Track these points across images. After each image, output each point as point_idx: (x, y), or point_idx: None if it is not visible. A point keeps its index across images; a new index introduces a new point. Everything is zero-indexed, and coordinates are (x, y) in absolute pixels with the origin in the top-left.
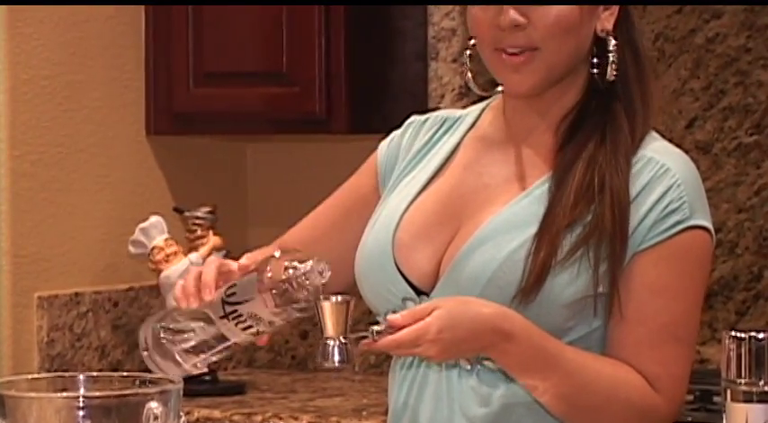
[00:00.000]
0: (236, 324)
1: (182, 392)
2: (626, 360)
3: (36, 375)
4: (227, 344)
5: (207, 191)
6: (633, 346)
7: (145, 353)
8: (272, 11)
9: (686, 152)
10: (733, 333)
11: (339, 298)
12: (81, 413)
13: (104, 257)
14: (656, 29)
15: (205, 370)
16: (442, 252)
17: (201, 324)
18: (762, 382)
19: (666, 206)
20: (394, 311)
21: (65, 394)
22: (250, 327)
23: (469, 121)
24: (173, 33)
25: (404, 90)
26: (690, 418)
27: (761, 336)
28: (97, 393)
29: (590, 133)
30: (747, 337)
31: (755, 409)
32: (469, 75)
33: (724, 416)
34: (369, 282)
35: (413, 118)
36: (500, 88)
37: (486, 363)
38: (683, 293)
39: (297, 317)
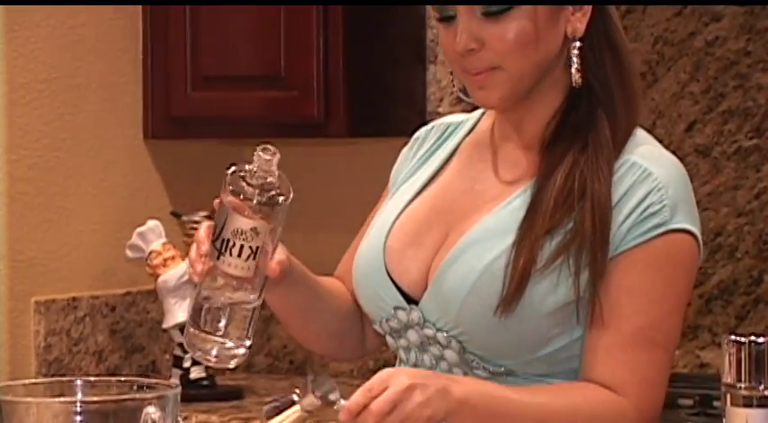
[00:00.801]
0: (230, 254)
1: (179, 397)
2: (596, 364)
3: (33, 380)
4: (247, 293)
5: (204, 195)
6: (605, 350)
7: (199, 354)
8: (269, 14)
9: (685, 156)
10: (733, 337)
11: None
12: (78, 418)
13: (102, 262)
14: (656, 32)
15: (247, 343)
16: (430, 259)
17: (216, 285)
18: (762, 387)
19: (645, 209)
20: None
21: (62, 399)
22: (242, 248)
23: (468, 126)
24: (170, 37)
25: (402, 93)
26: (690, 421)
27: (761, 340)
28: (95, 398)
29: (573, 138)
30: (747, 341)
31: (756, 413)
32: (457, 87)
33: (724, 420)
34: (363, 289)
35: (418, 132)
36: None
37: (475, 372)
38: (661, 297)
39: (279, 212)
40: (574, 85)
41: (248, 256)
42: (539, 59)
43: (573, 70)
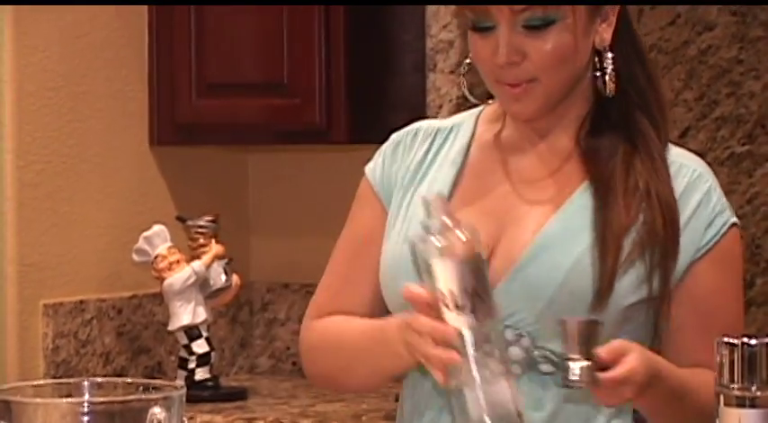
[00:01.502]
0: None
1: (185, 398)
2: (700, 363)
3: (41, 381)
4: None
5: (209, 200)
6: (707, 351)
7: None
8: (272, 23)
9: None
10: (726, 339)
11: (581, 318)
12: (86, 418)
13: (108, 265)
14: (650, 40)
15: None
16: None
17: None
18: (754, 388)
19: (712, 210)
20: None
21: (70, 400)
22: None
23: (467, 130)
24: (175, 45)
25: (403, 101)
26: None
27: (753, 342)
28: (101, 399)
29: (615, 141)
30: (740, 343)
31: (748, 414)
32: (466, 87)
33: (717, 420)
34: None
35: (396, 137)
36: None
37: (539, 367)
38: (738, 291)
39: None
40: (608, 93)
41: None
42: (574, 71)
43: (607, 79)
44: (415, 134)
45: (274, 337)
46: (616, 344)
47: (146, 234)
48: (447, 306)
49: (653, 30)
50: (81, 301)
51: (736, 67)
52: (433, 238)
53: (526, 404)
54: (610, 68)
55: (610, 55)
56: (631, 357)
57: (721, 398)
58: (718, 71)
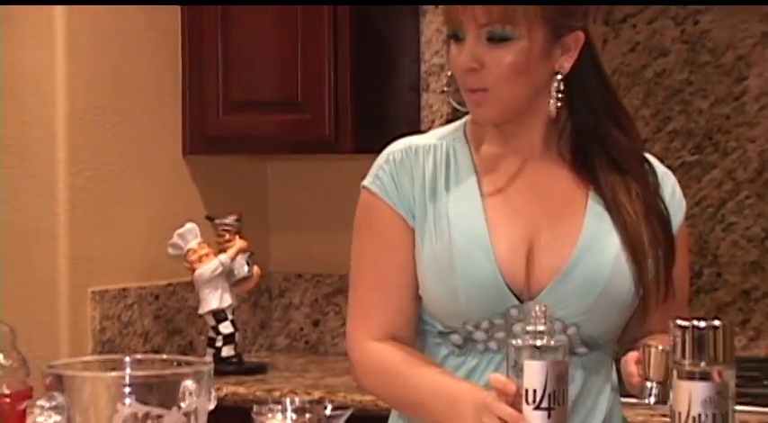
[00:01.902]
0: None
1: (212, 372)
2: (665, 330)
3: (89, 358)
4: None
5: (233, 202)
6: (676, 312)
7: None
8: (287, 50)
9: None
10: (678, 322)
11: (661, 347)
12: (127, 390)
13: (147, 258)
14: (613, 65)
15: None
16: (526, 261)
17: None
18: (703, 364)
19: (679, 202)
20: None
21: (114, 374)
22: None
23: (462, 149)
24: (204, 70)
25: (400, 116)
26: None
27: (702, 324)
28: (141, 373)
29: (599, 154)
30: (690, 325)
31: (698, 385)
32: (452, 98)
33: (671, 392)
34: (471, 301)
35: (398, 154)
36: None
37: (576, 350)
38: (689, 266)
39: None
40: (550, 115)
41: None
42: (528, 88)
43: (551, 102)
44: (415, 151)
45: (290, 320)
46: None
47: (179, 231)
48: (527, 402)
49: (615, 56)
50: (123, 289)
51: (686, 88)
52: (529, 341)
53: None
54: (555, 93)
55: (558, 77)
56: None
57: (674, 372)
58: (671, 91)
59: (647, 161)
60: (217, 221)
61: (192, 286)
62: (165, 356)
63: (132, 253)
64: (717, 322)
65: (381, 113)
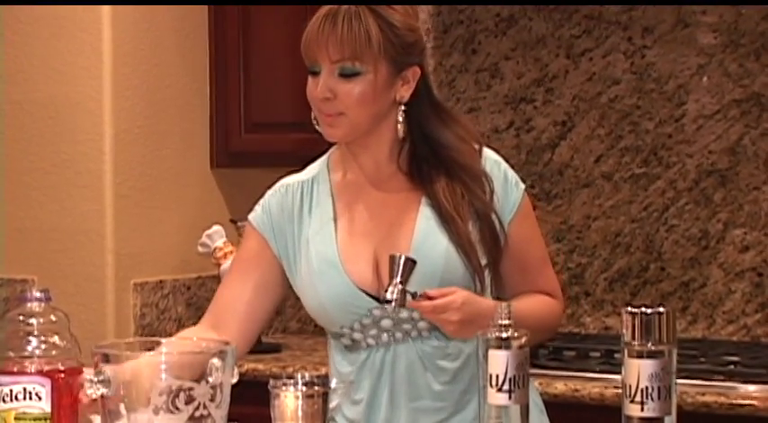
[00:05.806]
0: None
1: (235, 352)
2: (531, 289)
3: (131, 339)
4: None
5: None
6: (532, 281)
7: None
8: (302, 77)
9: (594, 179)
10: (629, 309)
11: (405, 255)
12: (163, 366)
13: (181, 255)
14: (573, 92)
15: None
16: (376, 264)
17: None
18: (650, 344)
19: (511, 183)
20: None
21: (152, 353)
22: None
23: (323, 179)
24: (228, 95)
25: None
26: (598, 369)
27: (648, 311)
28: (175, 352)
29: (433, 166)
30: (639, 311)
31: (645, 363)
32: (315, 123)
33: (623, 368)
34: (334, 311)
35: (271, 194)
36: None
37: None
38: (538, 233)
39: None
40: (399, 136)
41: None
42: (375, 112)
43: (399, 126)
44: (285, 191)
45: (301, 306)
46: (446, 288)
47: (207, 232)
48: (491, 385)
49: (575, 84)
50: (161, 281)
51: (635, 111)
52: (495, 333)
53: (439, 353)
54: (401, 117)
55: (402, 108)
56: (453, 292)
57: (626, 352)
58: (623, 114)
59: (479, 160)
60: (239, 224)
61: (219, 279)
62: (195, 338)
63: (168, 250)
64: (661, 309)
65: None
